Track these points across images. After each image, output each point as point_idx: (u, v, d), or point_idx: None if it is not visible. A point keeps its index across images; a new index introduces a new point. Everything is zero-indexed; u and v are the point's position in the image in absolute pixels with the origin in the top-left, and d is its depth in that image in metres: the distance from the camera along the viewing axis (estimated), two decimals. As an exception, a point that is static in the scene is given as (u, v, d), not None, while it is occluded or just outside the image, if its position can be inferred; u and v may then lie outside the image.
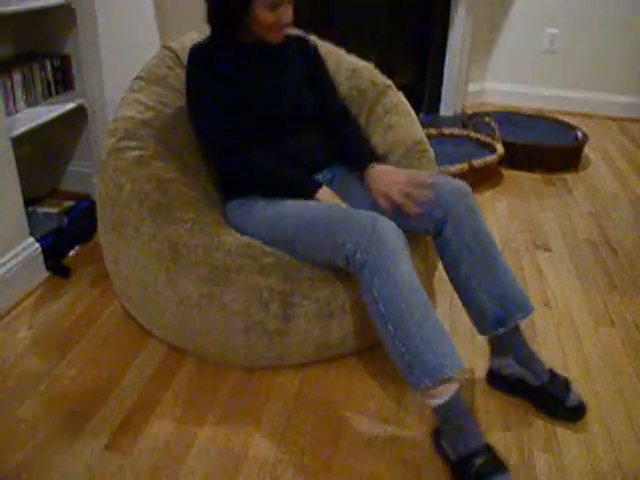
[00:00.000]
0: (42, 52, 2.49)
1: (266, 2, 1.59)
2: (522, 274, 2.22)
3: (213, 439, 1.51)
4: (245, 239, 1.62)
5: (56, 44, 2.49)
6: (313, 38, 2.07)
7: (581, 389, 1.68)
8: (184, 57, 1.99)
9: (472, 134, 3.26)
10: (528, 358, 1.58)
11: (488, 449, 1.38)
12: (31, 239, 2.09)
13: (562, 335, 1.90)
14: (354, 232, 1.43)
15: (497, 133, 3.10)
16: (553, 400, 1.56)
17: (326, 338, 1.65)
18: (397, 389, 1.67)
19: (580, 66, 4.07)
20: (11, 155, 1.98)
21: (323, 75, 1.90)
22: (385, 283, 1.38)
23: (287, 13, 1.64)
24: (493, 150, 3.05)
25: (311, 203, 1.62)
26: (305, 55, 1.86)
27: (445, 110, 4.05)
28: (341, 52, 2.23)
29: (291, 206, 1.62)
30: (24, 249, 2.05)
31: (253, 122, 1.71)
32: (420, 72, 3.96)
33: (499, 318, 1.54)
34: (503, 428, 1.55)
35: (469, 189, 1.60)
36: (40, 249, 2.14)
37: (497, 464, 1.36)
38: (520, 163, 3.16)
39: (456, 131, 3.31)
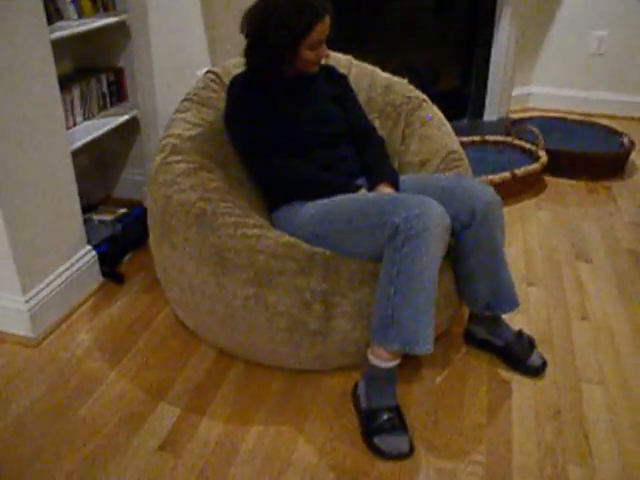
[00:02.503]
0: (98, 66, 2.61)
1: (310, 43, 1.76)
2: (561, 286, 2.24)
3: (259, 442, 1.60)
4: (286, 238, 1.69)
5: (111, 58, 2.62)
6: (343, 70, 2.19)
7: (618, 402, 1.71)
8: (227, 80, 2.10)
9: (515, 141, 3.27)
10: (499, 328, 1.85)
11: (396, 410, 1.58)
12: (89, 247, 2.22)
13: (600, 348, 1.93)
14: (404, 208, 1.53)
15: (541, 141, 3.11)
16: (516, 359, 1.82)
17: (367, 339, 1.71)
18: (434, 394, 1.74)
19: (628, 69, 4.03)
20: (71, 168, 2.10)
21: (349, 97, 2.04)
22: (410, 256, 1.50)
23: (324, 50, 1.82)
24: (537, 158, 3.07)
25: (359, 195, 1.73)
26: (333, 80, 2.03)
27: (489, 115, 4.05)
28: (375, 69, 2.31)
29: (340, 199, 1.72)
30: (83, 256, 2.17)
31: (290, 138, 1.84)
32: (465, 76, 3.98)
33: (489, 305, 1.80)
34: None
35: (498, 200, 1.70)
36: (97, 256, 2.26)
37: (399, 424, 1.57)
38: (564, 171, 3.16)
39: (499, 138, 3.33)
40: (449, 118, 3.87)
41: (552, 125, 3.61)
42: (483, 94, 4.02)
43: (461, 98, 4.01)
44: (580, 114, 4.09)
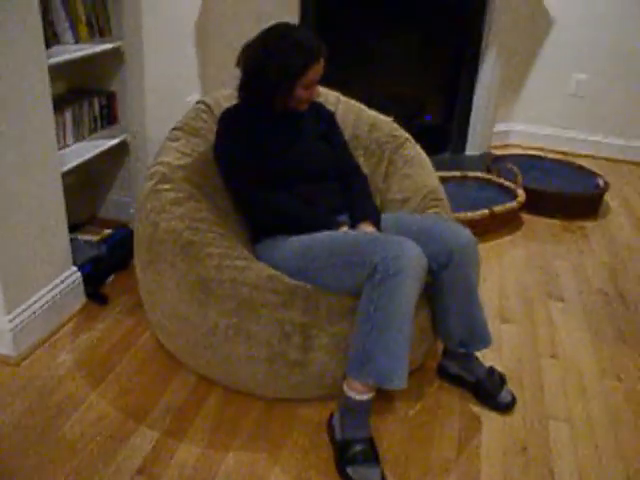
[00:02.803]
0: (91, 88, 2.66)
1: (305, 83, 1.84)
2: (533, 324, 2.32)
3: (236, 469, 1.64)
4: (270, 272, 1.75)
5: (104, 81, 2.67)
6: (331, 106, 2.27)
7: (582, 440, 1.78)
8: (217, 111, 2.17)
9: (495, 179, 3.37)
10: (471, 364, 1.92)
11: (370, 441, 1.64)
12: (74, 268, 2.25)
13: (568, 386, 2.00)
14: (383, 247, 1.60)
15: (519, 179, 3.21)
16: (487, 395, 1.89)
17: (343, 371, 1.76)
18: (406, 426, 1.79)
19: (605, 112, 4.16)
20: (61, 190, 2.15)
21: (336, 135, 2.12)
22: (387, 294, 1.57)
23: (317, 89, 1.91)
24: (515, 196, 3.16)
25: (341, 232, 1.80)
26: (320, 117, 2.10)
27: (471, 149, 4.16)
28: (362, 107, 2.39)
29: (322, 235, 1.79)
30: (68, 277, 2.21)
31: (276, 173, 1.91)
32: (449, 112, 4.09)
33: (463, 343, 1.87)
34: (506, 474, 1.66)
35: (474, 242, 1.79)
36: (81, 277, 2.29)
37: (372, 456, 1.62)
38: (540, 209, 3.26)
39: (479, 175, 3.42)
40: (432, 152, 3.99)
41: (531, 163, 3.72)
42: (466, 129, 4.12)
43: (444, 133, 4.11)
44: (559, 152, 4.22)
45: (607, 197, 3.50)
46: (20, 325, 1.99)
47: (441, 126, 4.10)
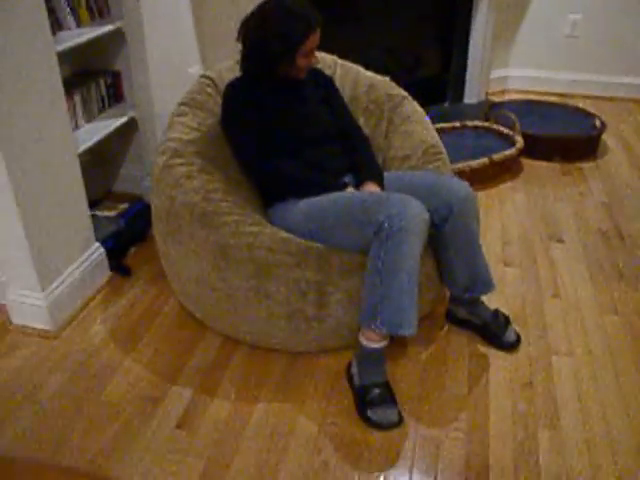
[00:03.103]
0: (95, 69, 2.75)
1: (304, 52, 1.93)
2: (534, 266, 2.44)
3: (265, 418, 1.79)
4: (283, 235, 1.87)
5: (108, 61, 2.75)
6: (329, 72, 2.35)
7: (583, 372, 1.92)
8: (221, 84, 2.26)
9: (494, 126, 3.44)
10: (477, 308, 2.05)
11: (386, 385, 1.79)
12: (97, 244, 2.38)
13: (569, 323, 2.13)
14: (388, 206, 1.72)
15: (517, 126, 3.29)
16: (493, 336, 2.02)
17: (357, 323, 1.90)
18: (419, 369, 1.93)
19: (601, 51, 4.20)
20: (79, 169, 2.26)
21: (336, 98, 2.21)
22: (393, 249, 1.69)
23: (315, 57, 1.99)
24: (513, 143, 3.24)
25: (347, 193, 1.91)
26: (319, 82, 2.19)
27: (469, 98, 4.22)
28: (359, 69, 2.47)
29: (330, 198, 1.90)
30: (92, 253, 2.34)
31: (282, 139, 2.01)
32: (445, 62, 4.14)
33: (468, 289, 2.00)
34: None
35: (473, 195, 1.90)
36: (104, 252, 2.42)
37: (389, 398, 1.77)
38: (539, 153, 3.34)
39: (478, 123, 3.50)
40: (431, 102, 4.05)
41: (528, 108, 3.79)
42: (463, 78, 4.18)
43: (442, 83, 4.17)
44: (557, 94, 4.27)
45: (605, 137, 3.58)
46: (54, 301, 2.13)
47: (438, 76, 4.16)
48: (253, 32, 1.97)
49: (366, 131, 2.27)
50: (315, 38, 1.94)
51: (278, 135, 2.00)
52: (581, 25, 4.18)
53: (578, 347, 2.03)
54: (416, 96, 2.54)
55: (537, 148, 3.33)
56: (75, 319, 2.22)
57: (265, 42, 1.93)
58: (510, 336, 2.02)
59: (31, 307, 2.12)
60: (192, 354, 2.04)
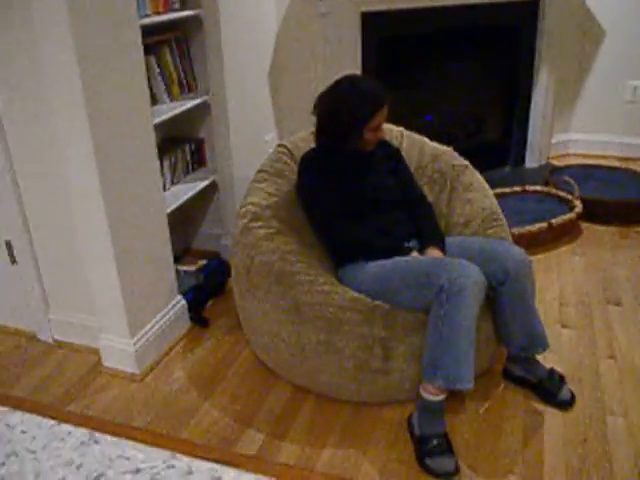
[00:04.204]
0: (182, 136, 3.04)
1: (372, 127, 2.13)
2: (591, 327, 2.53)
3: (331, 463, 1.94)
4: (352, 294, 2.05)
5: (193, 129, 3.04)
6: (395, 143, 2.55)
7: (638, 438, 1.99)
8: (296, 153, 2.49)
9: (553, 191, 3.57)
10: (532, 367, 2.16)
11: (445, 436, 1.90)
12: (179, 296, 2.61)
13: (624, 384, 2.21)
14: (447, 271, 1.88)
15: (576, 191, 3.41)
16: (548, 393, 2.12)
17: (419, 376, 2.03)
18: (477, 423, 2.05)
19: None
20: (167, 228, 2.51)
21: (403, 169, 2.40)
22: (452, 310, 1.84)
23: (382, 132, 2.20)
24: (572, 207, 3.36)
25: (411, 258, 2.08)
26: (388, 153, 2.38)
27: (530, 162, 4.35)
28: (425, 140, 2.67)
29: (395, 261, 2.08)
30: (175, 305, 2.57)
31: (353, 207, 2.21)
32: (507, 126, 4.30)
33: (523, 348, 2.10)
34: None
35: (528, 260, 2.04)
36: (185, 304, 2.65)
37: (447, 448, 1.88)
38: (598, 217, 3.44)
39: (538, 188, 3.63)
40: (492, 166, 4.21)
41: (588, 172, 3.89)
42: (524, 142, 4.33)
43: (504, 147, 4.32)
44: (618, 158, 4.36)
45: (666, 201, 3.64)
46: (141, 347, 2.35)
47: (500, 141, 4.32)
48: (326, 107, 2.20)
49: (430, 198, 2.45)
50: (382, 115, 2.15)
51: (349, 202, 2.20)
52: (641, 91, 4.29)
53: (634, 408, 2.10)
54: (478, 160, 2.72)
55: (596, 212, 3.43)
56: (158, 365, 2.43)
57: (337, 117, 2.16)
58: (565, 394, 2.11)
59: (120, 352, 2.35)
60: (265, 401, 2.21)
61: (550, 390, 2.12)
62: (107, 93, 2.07)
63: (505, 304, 2.04)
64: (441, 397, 1.91)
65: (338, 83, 2.21)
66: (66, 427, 0.85)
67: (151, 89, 2.64)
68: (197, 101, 2.79)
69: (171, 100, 2.75)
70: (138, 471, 0.79)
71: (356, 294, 2.04)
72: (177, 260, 3.10)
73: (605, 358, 2.35)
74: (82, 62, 1.94)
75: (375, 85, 2.17)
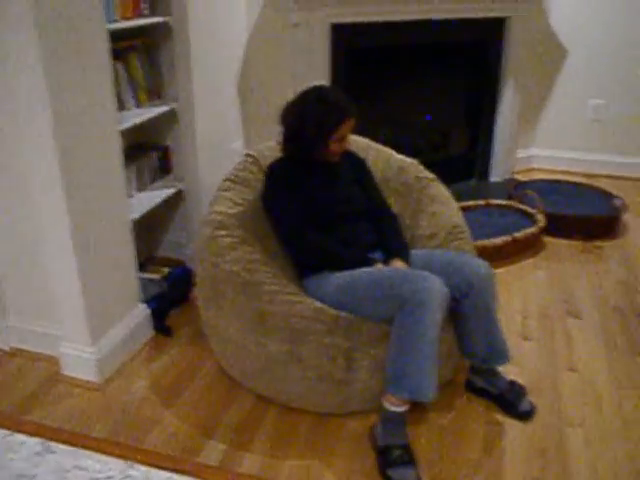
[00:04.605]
0: (148, 143, 3.01)
1: (337, 138, 2.15)
2: (552, 340, 2.57)
3: (293, 474, 1.92)
4: (316, 305, 2.05)
5: (159, 137, 3.02)
6: (362, 155, 2.56)
7: (595, 443, 2.03)
8: (263, 162, 2.48)
9: (517, 205, 3.62)
10: (494, 378, 2.18)
11: (407, 447, 1.91)
12: (143, 305, 2.58)
13: (584, 396, 2.25)
14: (411, 282, 1.89)
15: (539, 205, 3.47)
16: (509, 405, 2.15)
17: (382, 387, 2.03)
18: (438, 433, 2.06)
19: (624, 133, 4.40)
20: (131, 235, 2.48)
21: (368, 180, 2.41)
22: (415, 322, 1.85)
23: (347, 143, 2.21)
24: (535, 221, 3.41)
25: (375, 269, 2.09)
26: (354, 164, 2.40)
27: (495, 176, 4.42)
28: (391, 152, 2.69)
29: (360, 272, 2.09)
30: (138, 313, 2.54)
31: (317, 217, 2.21)
32: (472, 140, 4.36)
33: (485, 360, 2.14)
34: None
35: (492, 273, 2.07)
36: (149, 312, 2.62)
37: (409, 459, 1.88)
38: (561, 231, 3.49)
39: (502, 202, 3.68)
40: (458, 180, 4.25)
41: (552, 188, 3.97)
42: (489, 157, 4.39)
43: (469, 161, 4.38)
44: (581, 174, 4.45)
45: (626, 217, 3.72)
46: (103, 355, 2.32)
47: (465, 155, 4.38)
48: (293, 117, 2.20)
49: (395, 210, 2.47)
50: (347, 126, 2.17)
51: (314, 213, 2.21)
52: (603, 109, 4.39)
53: (592, 420, 2.14)
54: (444, 173, 2.74)
55: (559, 226, 3.49)
56: (120, 374, 2.39)
57: (303, 127, 2.16)
58: (525, 406, 2.14)
59: (81, 360, 2.31)
60: (227, 411, 2.19)
61: (511, 401, 2.14)
62: (72, 97, 2.04)
63: (467, 317, 2.06)
64: (404, 408, 1.92)
65: (305, 93, 2.22)
66: (20, 437, 0.83)
67: (118, 95, 2.61)
68: (164, 108, 2.77)
69: (138, 106, 2.73)
70: (94, 481, 0.77)
71: (320, 305, 2.03)
72: (141, 268, 3.06)
73: (565, 370, 2.39)
74: (46, 65, 1.92)
75: (342, 97, 2.18)
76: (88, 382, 2.32)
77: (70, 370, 2.36)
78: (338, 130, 2.15)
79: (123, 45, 2.58)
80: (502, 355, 2.11)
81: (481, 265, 2.05)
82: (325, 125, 2.14)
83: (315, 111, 2.14)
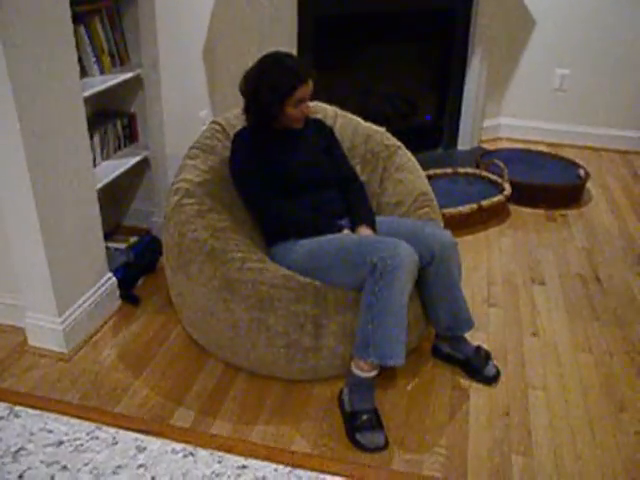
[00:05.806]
0: (113, 111, 2.96)
1: (293, 102, 2.14)
2: (516, 306, 2.62)
3: (263, 439, 1.95)
4: (284, 272, 2.06)
5: (125, 104, 2.97)
6: (330, 123, 2.55)
7: (556, 405, 2.09)
8: (230, 130, 2.46)
9: (484, 173, 3.66)
10: (460, 344, 2.22)
11: (374, 412, 1.94)
12: (110, 274, 2.56)
13: (546, 360, 2.31)
14: (380, 249, 1.91)
15: (505, 174, 3.50)
16: (474, 370, 2.19)
17: (350, 353, 2.06)
18: (405, 398, 2.10)
19: (588, 104, 4.45)
20: (97, 204, 2.45)
21: (335, 147, 2.41)
22: (385, 288, 1.87)
23: (307, 108, 2.19)
24: (502, 190, 3.45)
25: (343, 236, 2.10)
26: (321, 132, 2.39)
27: (463, 145, 4.44)
28: (359, 120, 2.68)
29: (327, 239, 2.10)
30: (105, 282, 2.52)
31: (284, 184, 2.21)
32: (440, 109, 4.37)
33: (450, 327, 2.18)
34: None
35: (454, 243, 2.10)
36: (116, 281, 2.60)
37: (377, 423, 1.92)
38: (526, 200, 3.55)
39: (469, 170, 3.71)
40: (425, 148, 4.27)
41: (517, 157, 4.01)
42: (457, 126, 4.41)
43: (436, 129, 4.40)
44: (546, 144, 4.50)
45: (589, 186, 3.79)
46: (69, 325, 2.30)
47: (433, 123, 4.39)
48: (250, 83, 2.19)
49: (362, 178, 2.48)
50: (304, 90, 2.15)
51: (281, 181, 2.20)
52: (569, 80, 4.43)
53: (553, 382, 2.20)
54: (411, 141, 2.75)
55: (524, 195, 3.54)
56: (87, 343, 2.38)
57: (258, 92, 2.15)
58: (490, 370, 2.19)
59: (47, 330, 2.29)
60: (196, 379, 2.20)
61: (476, 367, 2.19)
62: (32, 63, 1.99)
63: (431, 285, 2.09)
64: (372, 373, 1.95)
65: (262, 59, 2.21)
66: (-15, 403, 0.83)
67: (80, 61, 2.56)
68: (129, 74, 2.72)
69: (102, 73, 2.67)
70: (61, 443, 0.77)
71: (287, 272, 2.04)
72: (107, 237, 3.03)
73: (529, 335, 2.44)
74: (3, 30, 1.86)
75: (299, 61, 2.18)
76: (55, 353, 2.31)
77: (37, 341, 2.34)
78: (294, 94, 2.13)
79: (85, 8, 2.51)
80: (466, 323, 2.15)
81: (444, 234, 2.07)
82: (279, 89, 2.13)
83: (270, 75, 2.14)
